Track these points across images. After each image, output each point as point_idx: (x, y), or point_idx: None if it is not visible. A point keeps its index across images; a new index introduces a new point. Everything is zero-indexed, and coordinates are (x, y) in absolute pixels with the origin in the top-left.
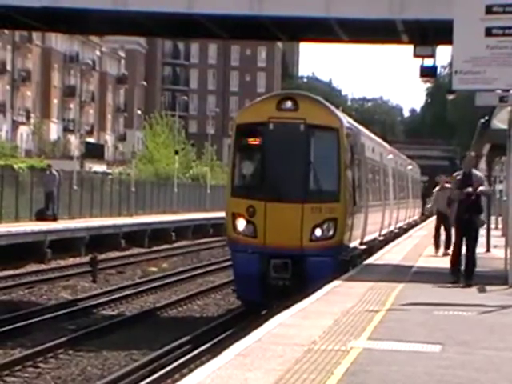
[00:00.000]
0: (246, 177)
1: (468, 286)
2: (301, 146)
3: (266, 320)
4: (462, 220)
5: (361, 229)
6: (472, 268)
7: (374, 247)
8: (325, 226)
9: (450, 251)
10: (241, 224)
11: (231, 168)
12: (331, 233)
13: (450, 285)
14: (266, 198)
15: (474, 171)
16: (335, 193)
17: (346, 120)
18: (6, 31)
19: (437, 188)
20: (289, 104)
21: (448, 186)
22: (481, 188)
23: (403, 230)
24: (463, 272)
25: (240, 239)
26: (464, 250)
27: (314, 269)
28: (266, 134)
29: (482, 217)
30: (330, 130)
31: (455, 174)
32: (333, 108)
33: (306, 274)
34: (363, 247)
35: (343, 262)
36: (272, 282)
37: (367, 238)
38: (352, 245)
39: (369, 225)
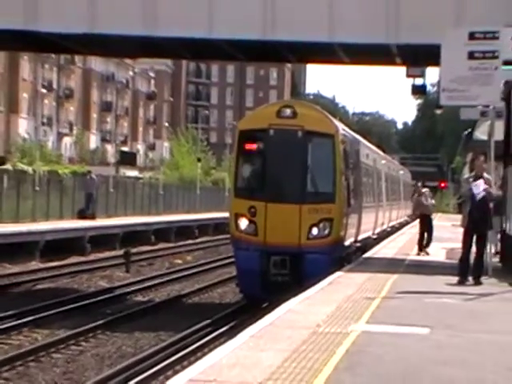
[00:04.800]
0: (248, 179)
1: (478, 284)
2: (299, 151)
3: (272, 309)
4: (473, 219)
5: (355, 228)
6: (480, 269)
7: (367, 245)
8: (321, 226)
9: (429, 249)
10: (243, 223)
11: (234, 171)
12: (327, 232)
13: (456, 282)
14: (266, 199)
15: (485, 174)
16: (331, 194)
17: (342, 127)
18: (53, 55)
19: (415, 195)
20: (288, 112)
21: (424, 190)
22: (490, 190)
23: (395, 229)
24: (471, 271)
25: (242, 237)
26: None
27: (311, 265)
28: (266, 140)
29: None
30: (326, 136)
31: (466, 176)
32: (329, 116)
33: (304, 270)
34: (358, 245)
35: (338, 258)
36: (272, 278)
37: (361, 237)
38: (347, 243)
39: (363, 224)
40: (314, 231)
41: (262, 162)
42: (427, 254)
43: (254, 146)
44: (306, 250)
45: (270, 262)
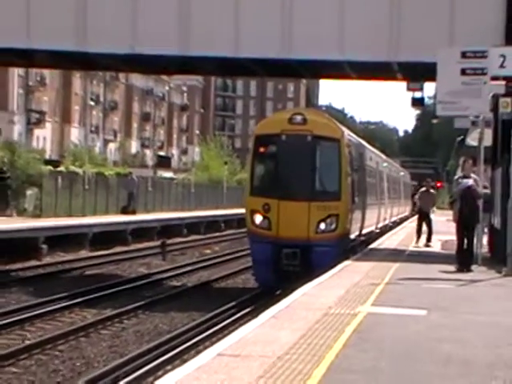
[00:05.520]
0: (263, 179)
1: (468, 271)
2: (308, 154)
3: (286, 295)
4: (462, 214)
5: (359, 223)
6: (470, 259)
7: (371, 238)
8: (328, 221)
9: (431, 243)
10: (258, 219)
11: (250, 171)
12: (334, 226)
13: (455, 270)
14: (279, 196)
15: (473, 175)
16: (337, 193)
17: (347, 132)
18: (100, 72)
19: (423, 189)
20: (298, 118)
21: (432, 191)
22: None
23: (396, 224)
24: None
25: (257, 231)
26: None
27: (319, 257)
28: (279, 144)
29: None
30: (332, 140)
31: (456, 177)
32: (336, 122)
33: (312, 262)
34: (362, 238)
35: (344, 251)
36: (283, 268)
37: (365, 231)
38: (352, 236)
39: (366, 220)
40: (322, 226)
41: (275, 163)
42: (429, 246)
43: (268, 149)
44: (314, 243)
45: (282, 254)
